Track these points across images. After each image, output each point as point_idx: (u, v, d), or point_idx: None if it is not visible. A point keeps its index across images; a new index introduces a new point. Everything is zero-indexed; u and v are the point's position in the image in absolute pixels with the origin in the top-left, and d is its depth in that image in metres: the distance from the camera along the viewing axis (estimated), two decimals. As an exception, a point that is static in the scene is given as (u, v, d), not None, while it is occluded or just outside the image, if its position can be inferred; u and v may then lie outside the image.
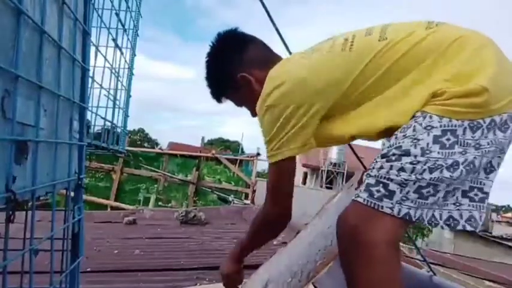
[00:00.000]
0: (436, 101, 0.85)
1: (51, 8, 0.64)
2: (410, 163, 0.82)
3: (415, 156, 0.82)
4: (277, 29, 1.37)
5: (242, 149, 20.54)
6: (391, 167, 0.83)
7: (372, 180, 0.86)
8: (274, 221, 1.11)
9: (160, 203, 9.33)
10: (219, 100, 1.24)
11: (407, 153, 0.82)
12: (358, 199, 0.86)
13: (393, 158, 0.84)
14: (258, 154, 10.52)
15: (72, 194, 0.80)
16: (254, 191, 9.36)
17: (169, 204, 9.28)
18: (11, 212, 0.50)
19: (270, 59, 1.14)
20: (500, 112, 0.83)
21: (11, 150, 0.50)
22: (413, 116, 0.87)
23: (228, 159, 10.69)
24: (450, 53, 0.88)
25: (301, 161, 19.97)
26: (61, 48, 0.68)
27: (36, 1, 0.58)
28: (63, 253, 0.79)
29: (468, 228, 0.85)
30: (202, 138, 13.69)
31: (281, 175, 1.04)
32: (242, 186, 10.09)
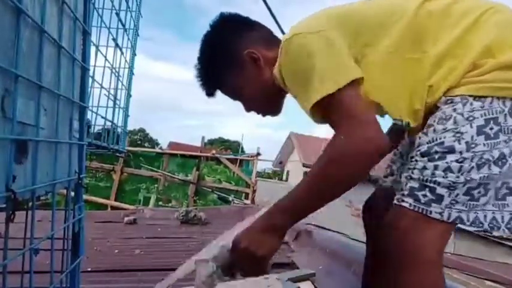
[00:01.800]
0: (475, 77, 0.77)
1: (51, 7, 0.64)
2: (456, 161, 0.74)
3: (461, 152, 0.74)
4: (279, 27, 1.37)
5: (242, 148, 20.56)
6: (435, 167, 0.76)
7: (415, 184, 0.78)
8: (364, 150, 0.77)
9: (160, 203, 9.32)
10: (211, 90, 1.09)
11: (451, 150, 0.75)
12: (403, 204, 0.79)
13: (436, 156, 0.76)
14: (258, 154, 10.52)
15: (72, 193, 0.80)
16: (254, 191, 9.36)
17: (170, 204, 9.27)
18: (11, 212, 0.50)
19: (279, 40, 1.00)
20: None
21: (11, 150, 0.50)
22: (451, 101, 0.78)
23: (228, 159, 10.69)
24: (485, 19, 0.81)
25: (302, 160, 19.94)
26: (61, 48, 0.68)
27: (36, 0, 0.58)
28: (64, 253, 0.79)
29: (507, 232, 0.80)
30: (203, 138, 13.67)
31: (351, 103, 0.79)
32: (242, 186, 10.08)
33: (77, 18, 0.76)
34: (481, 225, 0.77)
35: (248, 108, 1.08)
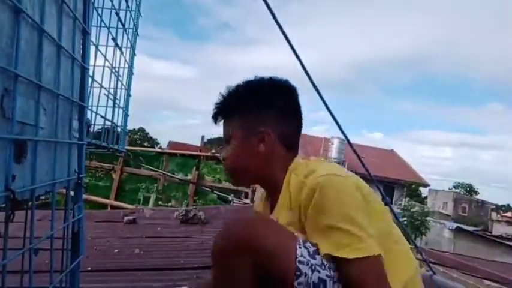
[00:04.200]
0: None
1: (51, 7, 0.64)
2: None
3: None
4: (280, 26, 1.37)
5: (242, 148, 20.46)
6: None
7: None
8: None
9: (160, 202, 9.33)
10: (217, 116, 1.05)
11: None
12: None
13: None
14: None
15: (72, 193, 0.80)
16: (254, 191, 9.37)
17: (169, 204, 9.28)
18: (10, 211, 0.50)
19: (296, 149, 1.03)
20: None
21: (10, 149, 0.50)
22: None
23: (228, 159, 10.65)
24: None
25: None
26: (60, 48, 0.68)
27: (36, 0, 0.58)
28: (63, 252, 0.79)
29: None
30: (202, 138, 13.66)
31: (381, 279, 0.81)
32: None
33: (76, 17, 0.76)
34: None
35: (223, 159, 1.06)
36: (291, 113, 1.03)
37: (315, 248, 0.82)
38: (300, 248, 0.81)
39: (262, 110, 0.99)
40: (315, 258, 0.81)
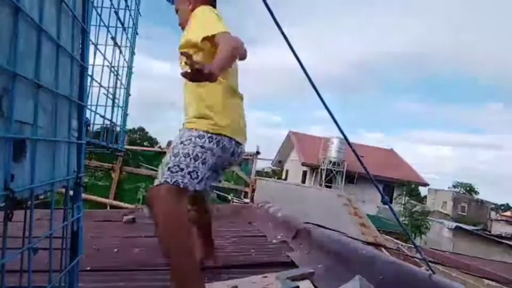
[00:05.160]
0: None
1: (50, 6, 0.64)
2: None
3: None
4: (279, 26, 1.37)
5: (241, 147, 20.44)
6: None
7: None
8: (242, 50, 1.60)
9: (159, 202, 9.31)
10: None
11: None
12: None
13: None
14: (258, 153, 10.49)
15: (71, 192, 0.80)
16: (254, 190, 9.35)
17: (169, 203, 9.26)
18: (9, 211, 0.50)
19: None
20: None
21: (10, 149, 0.50)
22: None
23: (227, 158, 10.62)
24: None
25: (301, 159, 19.96)
26: (59, 47, 0.68)
27: (35, -1, 0.58)
28: (62, 252, 0.79)
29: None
30: (202, 137, 13.61)
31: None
32: (241, 185, 10.06)
33: (75, 17, 0.75)
34: None
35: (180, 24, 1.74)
36: None
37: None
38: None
39: None
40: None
